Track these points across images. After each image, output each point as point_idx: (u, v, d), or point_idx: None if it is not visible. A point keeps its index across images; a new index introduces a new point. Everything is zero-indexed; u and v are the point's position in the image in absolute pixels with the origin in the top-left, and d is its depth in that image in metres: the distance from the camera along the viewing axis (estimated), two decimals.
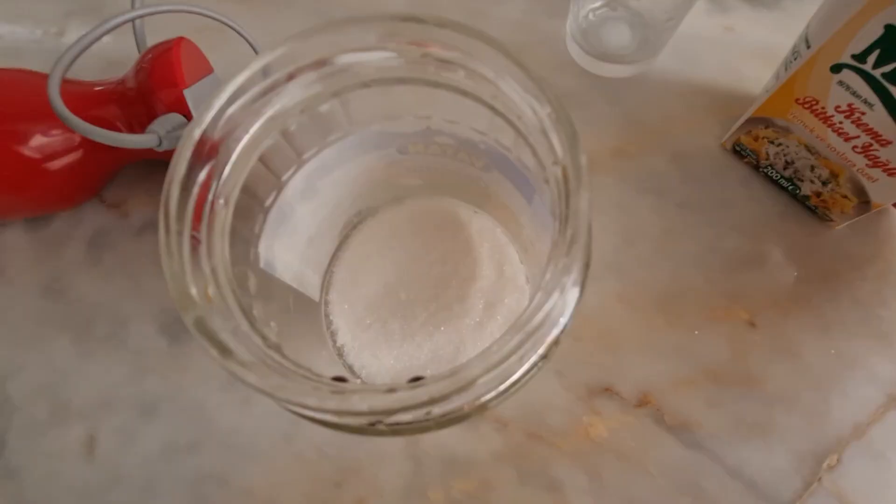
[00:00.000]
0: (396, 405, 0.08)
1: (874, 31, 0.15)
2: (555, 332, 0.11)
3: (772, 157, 0.22)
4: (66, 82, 0.22)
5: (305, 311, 0.18)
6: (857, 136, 0.18)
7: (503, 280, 0.21)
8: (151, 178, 0.26)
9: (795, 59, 0.19)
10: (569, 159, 0.09)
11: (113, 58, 0.30)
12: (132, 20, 0.18)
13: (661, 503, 0.20)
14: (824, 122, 0.19)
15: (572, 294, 0.10)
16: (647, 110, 0.26)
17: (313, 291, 0.19)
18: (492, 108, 0.12)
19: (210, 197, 0.11)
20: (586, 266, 0.11)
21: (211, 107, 0.10)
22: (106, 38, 0.31)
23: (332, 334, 0.20)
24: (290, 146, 0.13)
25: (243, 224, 0.12)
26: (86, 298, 0.24)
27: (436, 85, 0.12)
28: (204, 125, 0.10)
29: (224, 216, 0.11)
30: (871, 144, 0.18)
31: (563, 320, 0.11)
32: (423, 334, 0.20)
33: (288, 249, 0.16)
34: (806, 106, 0.19)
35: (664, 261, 0.23)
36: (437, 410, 0.09)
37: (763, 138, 0.22)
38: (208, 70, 0.24)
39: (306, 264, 0.18)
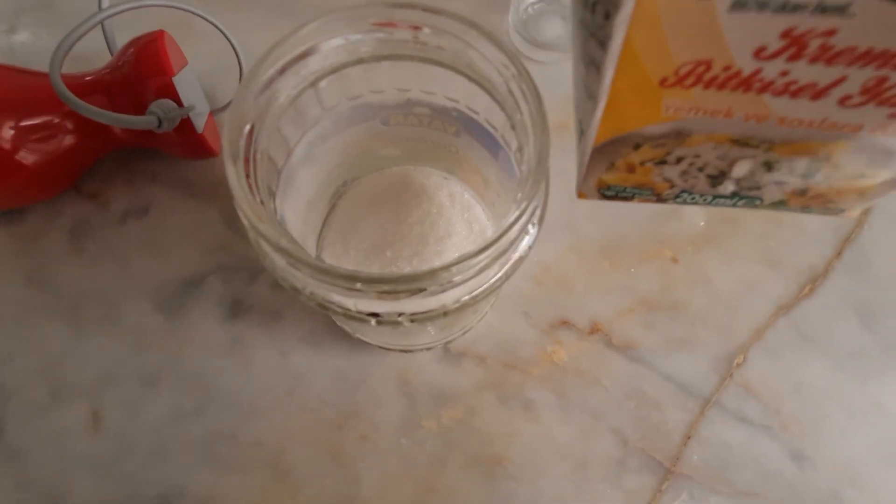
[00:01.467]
0: (398, 275, 0.11)
1: None
2: (523, 246, 0.14)
3: (679, 181, 0.13)
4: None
5: None
6: (838, 80, 0.10)
7: (473, 236, 0.24)
8: (127, 168, 0.27)
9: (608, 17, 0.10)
10: (533, 106, 0.13)
11: (74, 52, 0.31)
12: (128, 10, 0.20)
13: (613, 409, 0.24)
14: (745, 89, 0.10)
15: (536, 213, 0.13)
16: None
17: (311, 251, 0.21)
18: (466, 76, 0.15)
19: (252, 150, 0.13)
20: (545, 194, 0.14)
21: (256, 76, 0.13)
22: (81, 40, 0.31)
23: None
24: (298, 116, 0.16)
25: (268, 181, 0.15)
26: (74, 285, 0.25)
27: (420, 60, 0.15)
28: (253, 90, 0.13)
29: (262, 167, 0.13)
30: (879, 79, 0.10)
31: (528, 238, 0.15)
32: None
33: (293, 210, 0.18)
34: (689, 83, 0.11)
35: (604, 216, 0.28)
36: (441, 300, 0.12)
37: (645, 164, 0.13)
38: (184, 61, 0.25)
39: (305, 225, 0.20)
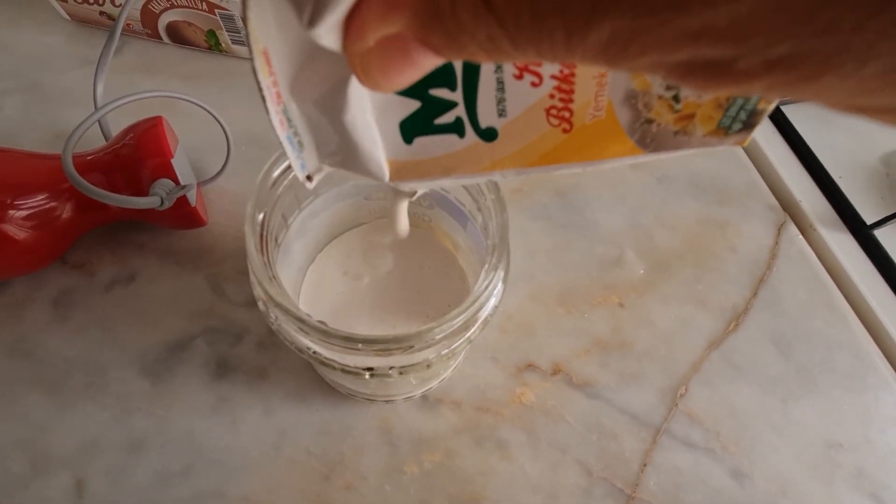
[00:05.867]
0: (391, 336, 0.14)
1: None
2: (491, 305, 0.17)
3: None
4: (51, 156, 0.25)
5: None
6: None
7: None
8: (114, 239, 0.29)
9: None
10: (495, 194, 0.16)
11: (62, 130, 0.32)
12: (129, 103, 0.22)
13: (578, 442, 0.26)
14: None
15: (500, 277, 0.16)
16: None
17: None
18: None
19: (265, 233, 0.15)
20: (507, 261, 0.18)
21: (268, 175, 0.15)
22: (67, 117, 0.33)
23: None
24: (295, 199, 0.19)
25: (272, 256, 0.17)
26: (57, 354, 0.25)
27: None
28: (266, 186, 0.15)
29: (270, 246, 0.16)
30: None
31: (493, 300, 0.18)
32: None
33: (286, 276, 0.21)
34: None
35: (558, 267, 0.31)
36: (425, 355, 0.15)
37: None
38: (176, 140, 0.28)
39: (294, 288, 0.22)
